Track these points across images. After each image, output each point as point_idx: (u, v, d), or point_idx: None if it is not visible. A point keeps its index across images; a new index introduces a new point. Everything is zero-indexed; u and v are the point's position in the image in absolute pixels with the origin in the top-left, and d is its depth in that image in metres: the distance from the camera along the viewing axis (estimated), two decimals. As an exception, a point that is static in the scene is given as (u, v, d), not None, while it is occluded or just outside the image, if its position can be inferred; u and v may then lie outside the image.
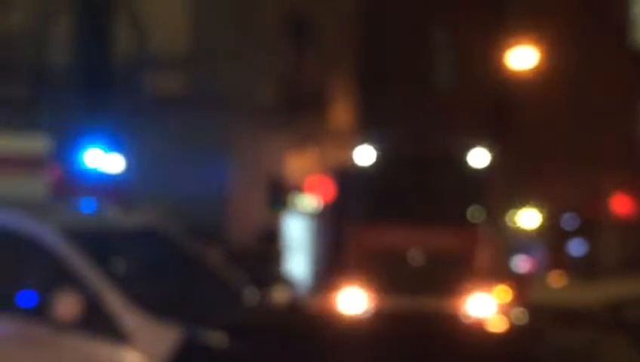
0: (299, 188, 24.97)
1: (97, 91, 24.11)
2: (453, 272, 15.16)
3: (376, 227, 15.93)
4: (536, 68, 29.29)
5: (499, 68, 30.08)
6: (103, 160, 20.25)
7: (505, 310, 13.95)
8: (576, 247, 26.12)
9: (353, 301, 14.41)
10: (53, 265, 6.77)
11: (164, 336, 6.29)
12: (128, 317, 6.44)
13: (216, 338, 6.15)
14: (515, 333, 7.13)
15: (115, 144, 22.35)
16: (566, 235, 26.39)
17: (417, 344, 6.22)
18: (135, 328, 6.40)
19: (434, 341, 6.38)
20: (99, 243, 7.08)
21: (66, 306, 6.35)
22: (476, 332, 6.87)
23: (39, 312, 6.57)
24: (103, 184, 18.21)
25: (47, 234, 6.85)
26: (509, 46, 29.69)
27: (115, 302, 6.48)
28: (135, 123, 23.94)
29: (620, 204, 19.80)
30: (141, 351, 6.36)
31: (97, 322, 6.46)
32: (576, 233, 25.09)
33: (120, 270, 7.14)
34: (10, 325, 6.62)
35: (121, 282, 6.67)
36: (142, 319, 6.44)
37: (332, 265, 19.82)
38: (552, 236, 27.12)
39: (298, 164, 26.95)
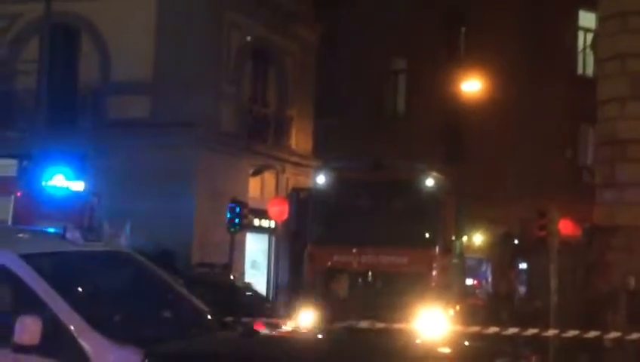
0: (260, 211, 25.35)
1: (62, 116, 24.37)
2: (408, 293, 15.46)
3: (332, 248, 16.30)
4: (486, 95, 29.93)
5: (451, 94, 30.72)
6: (66, 184, 20.63)
7: (456, 330, 14.24)
8: (523, 269, 26.75)
9: (310, 320, 14.75)
10: (15, 289, 6.69)
11: (125, 361, 6.23)
12: (88, 341, 6.33)
13: None
14: (465, 354, 7.08)
15: (78, 169, 22.77)
16: (514, 257, 26.97)
17: (367, 359, 6.24)
18: (95, 352, 6.30)
19: (384, 357, 6.38)
20: (60, 268, 7.03)
21: (26, 330, 6.22)
22: (428, 352, 6.77)
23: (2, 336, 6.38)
24: (67, 207, 18.57)
25: (7, 258, 6.74)
26: (460, 74, 30.35)
27: (75, 326, 6.38)
28: (99, 147, 24.27)
29: (564, 228, 20.51)
30: None
31: (57, 346, 6.34)
32: (523, 254, 25.67)
33: (82, 294, 7.07)
34: None
35: (82, 306, 6.56)
36: (102, 343, 6.33)
37: (290, 285, 20.21)
38: (500, 258, 27.69)
39: (259, 187, 27.41)
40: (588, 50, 29.21)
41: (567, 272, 19.30)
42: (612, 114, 21.31)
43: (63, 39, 25.85)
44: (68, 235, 7.19)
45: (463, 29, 34.23)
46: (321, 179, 17.30)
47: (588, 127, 30.23)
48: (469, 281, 25.89)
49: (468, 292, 22.71)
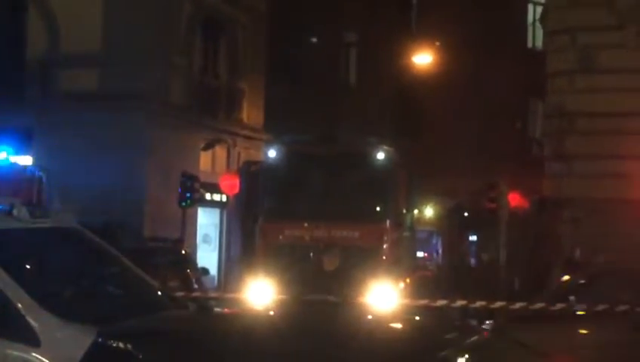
0: (211, 185, 25.25)
1: (8, 89, 24.01)
2: (360, 266, 15.52)
3: (284, 223, 16.30)
4: (437, 68, 30.05)
5: (403, 67, 30.78)
6: (12, 158, 20.32)
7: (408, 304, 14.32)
8: (472, 241, 27.00)
9: (261, 294, 14.73)
10: None
11: (75, 339, 6.09)
12: (36, 319, 6.21)
13: (126, 343, 5.94)
14: (414, 328, 6.96)
15: (25, 143, 22.47)
16: (464, 229, 27.20)
17: (319, 334, 6.16)
18: (44, 331, 6.19)
19: (336, 333, 6.24)
20: (6, 245, 6.88)
21: None
22: (377, 326, 6.67)
23: None
24: (14, 183, 18.30)
25: None
26: (412, 47, 30.41)
27: (22, 303, 6.27)
28: (47, 120, 23.97)
29: (513, 200, 20.73)
30: (51, 354, 6.17)
31: (4, 324, 6.24)
32: (473, 227, 25.91)
33: (29, 271, 6.94)
34: None
35: (30, 284, 6.44)
36: (51, 321, 6.23)
37: (242, 259, 20.18)
38: (451, 231, 27.90)
39: (210, 161, 27.28)
40: (538, 24, 29.39)
41: (516, 244, 19.52)
42: (561, 87, 21.53)
43: (10, 10, 25.43)
44: (14, 212, 7.05)
45: (415, 1, 34.25)
46: (271, 153, 17.22)
47: (537, 100, 30.55)
48: (420, 254, 26.09)
49: (418, 264, 22.87)
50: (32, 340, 6.19)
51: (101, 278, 7.45)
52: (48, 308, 6.28)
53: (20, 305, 6.26)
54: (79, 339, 6.03)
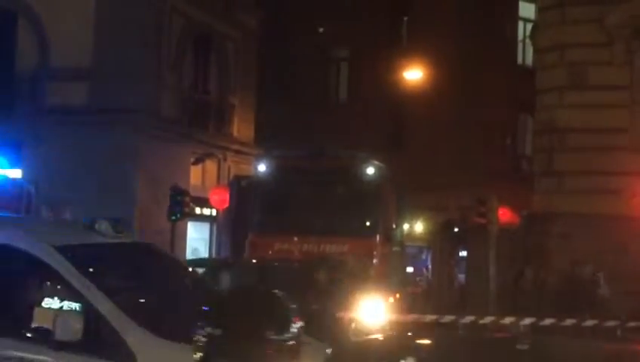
0: (201, 199, 25.22)
1: (-1, 102, 23.99)
2: (348, 280, 15.49)
3: (274, 237, 16.27)
4: (427, 84, 30.12)
5: (393, 82, 30.84)
6: (2, 172, 20.25)
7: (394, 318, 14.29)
8: (463, 257, 27.05)
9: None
10: (49, 283, 6.30)
11: (172, 357, 5.86)
12: (133, 337, 5.93)
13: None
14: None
15: (15, 156, 22.41)
16: (454, 245, 27.25)
17: None
18: (141, 349, 5.90)
19: None
20: (95, 260, 6.61)
21: (67, 327, 5.83)
22: None
23: (39, 333, 6.01)
24: (3, 195, 18.23)
25: (41, 250, 6.32)
26: (402, 63, 30.49)
27: (118, 321, 5.98)
28: (37, 134, 23.91)
29: (503, 215, 20.77)
30: None
31: (100, 343, 5.95)
32: (463, 242, 25.94)
33: (120, 288, 6.59)
34: (11, 347, 6.07)
35: (123, 300, 6.17)
36: (147, 339, 5.95)
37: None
38: (441, 246, 27.95)
39: (200, 175, 27.25)
40: (528, 40, 29.51)
41: (505, 259, 19.54)
42: (551, 103, 21.60)
43: (0, 24, 25.39)
44: (97, 226, 6.81)
45: (406, 18, 34.36)
46: (262, 168, 17.25)
47: (527, 116, 30.62)
48: (410, 269, 26.05)
49: (408, 280, 22.85)
50: (127, 358, 5.91)
51: (183, 292, 7.18)
52: (143, 325, 6.01)
53: (115, 323, 5.97)
54: (176, 357, 5.77)
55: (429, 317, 12.09)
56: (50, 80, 24.90)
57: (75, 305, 6.05)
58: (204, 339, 5.06)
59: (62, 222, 8.05)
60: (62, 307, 6.03)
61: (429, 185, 26.44)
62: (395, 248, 17.76)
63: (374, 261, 16.34)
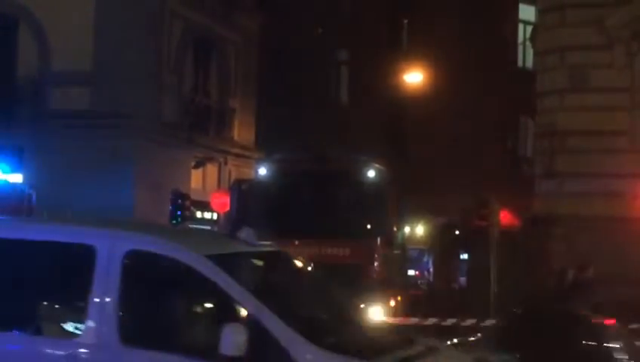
0: (202, 203, 25.24)
1: (0, 108, 24.01)
2: (350, 284, 15.48)
3: (274, 240, 16.23)
4: (428, 86, 30.16)
5: (394, 85, 30.88)
6: (3, 177, 20.29)
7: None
8: (464, 259, 27.02)
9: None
10: (204, 293, 6.04)
11: None
12: (297, 349, 5.65)
13: None
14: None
15: (16, 161, 22.43)
16: (455, 247, 27.21)
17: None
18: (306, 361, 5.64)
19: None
20: (247, 269, 6.42)
21: (232, 340, 5.55)
22: None
23: (202, 348, 5.82)
24: (3, 200, 18.26)
25: (194, 259, 6.01)
26: (403, 66, 30.53)
27: (283, 335, 5.70)
28: (38, 139, 23.94)
29: (504, 218, 20.77)
30: None
31: (265, 357, 5.69)
32: (464, 245, 25.92)
33: (276, 298, 6.24)
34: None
35: (282, 312, 5.86)
36: (317, 355, 5.67)
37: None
38: (441, 249, 27.91)
39: (201, 179, 27.27)
40: (528, 43, 29.54)
41: (506, 262, 19.53)
42: (551, 106, 21.60)
43: (1, 29, 25.45)
44: (241, 234, 6.56)
45: (406, 21, 34.39)
46: (262, 171, 17.24)
47: (528, 118, 30.64)
48: (411, 272, 26.04)
49: (409, 283, 22.84)
50: None
51: (332, 305, 6.95)
52: (306, 337, 5.76)
53: (278, 335, 5.71)
54: None
55: (431, 320, 12.10)
56: (51, 85, 24.95)
57: (237, 318, 5.79)
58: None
59: (196, 230, 7.27)
60: (224, 320, 5.72)
61: (429, 187, 26.45)
62: (396, 251, 17.75)
63: (375, 264, 16.31)
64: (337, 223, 16.43)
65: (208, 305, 6.18)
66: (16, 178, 22.19)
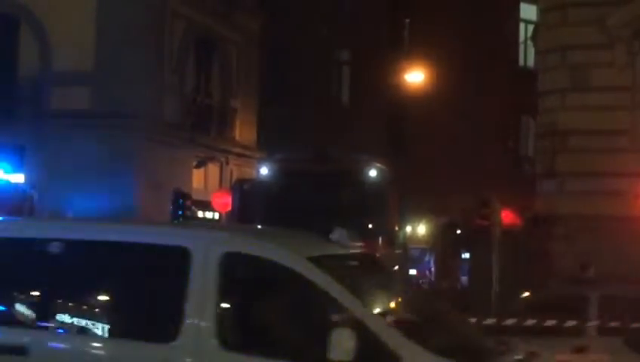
0: (203, 203, 25.24)
1: (1, 108, 24.03)
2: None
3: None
4: (429, 86, 30.18)
5: (395, 85, 30.91)
6: (4, 176, 20.32)
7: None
8: (465, 259, 27.02)
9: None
10: (305, 296, 5.86)
11: None
12: (408, 353, 5.51)
13: None
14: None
15: (17, 161, 22.46)
16: (456, 247, 27.21)
17: None
18: None
19: None
20: (347, 272, 6.20)
21: (342, 345, 5.39)
22: None
23: (307, 354, 5.68)
24: (5, 200, 18.31)
25: (296, 262, 5.87)
26: (404, 65, 30.55)
27: (390, 337, 5.56)
28: (39, 138, 23.96)
29: (505, 217, 20.78)
30: None
31: (373, 360, 5.52)
32: (465, 244, 25.92)
33: (376, 300, 6.20)
34: None
35: (387, 314, 5.88)
36: (429, 357, 5.55)
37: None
38: (443, 248, 27.92)
39: (202, 178, 27.29)
40: (529, 42, 29.53)
41: (508, 261, 19.54)
42: (553, 105, 21.59)
43: (2, 28, 25.46)
44: (334, 236, 6.47)
45: (407, 21, 34.40)
46: (264, 171, 17.26)
47: (529, 118, 30.64)
48: (413, 272, 26.06)
49: (411, 282, 22.85)
50: None
51: (418, 304, 6.88)
52: (416, 341, 5.62)
53: (387, 340, 5.57)
54: None
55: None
56: (53, 84, 24.97)
57: (343, 322, 5.58)
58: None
59: (289, 232, 7.15)
60: (329, 324, 5.55)
61: (431, 187, 26.48)
62: (398, 250, 17.76)
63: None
64: (339, 223, 16.33)
65: (311, 309, 5.94)
66: (18, 178, 22.22)
